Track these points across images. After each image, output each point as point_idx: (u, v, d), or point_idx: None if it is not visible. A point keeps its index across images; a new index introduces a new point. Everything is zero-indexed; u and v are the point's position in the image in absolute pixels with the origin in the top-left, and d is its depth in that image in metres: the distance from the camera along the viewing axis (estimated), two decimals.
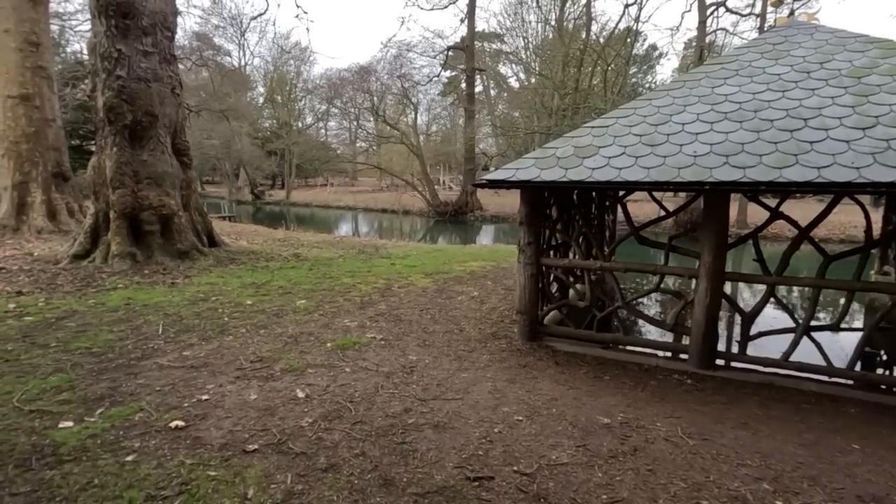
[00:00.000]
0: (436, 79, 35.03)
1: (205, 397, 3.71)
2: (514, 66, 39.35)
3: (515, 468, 2.86)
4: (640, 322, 7.50)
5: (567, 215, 6.53)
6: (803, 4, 19.35)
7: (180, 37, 27.15)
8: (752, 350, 5.08)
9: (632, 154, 4.97)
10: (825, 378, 4.73)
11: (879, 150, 4.11)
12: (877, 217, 9.10)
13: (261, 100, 51.20)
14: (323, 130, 55.72)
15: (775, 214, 4.81)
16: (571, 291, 6.71)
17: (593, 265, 5.64)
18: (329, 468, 2.83)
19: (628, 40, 27.49)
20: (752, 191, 4.46)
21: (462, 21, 30.83)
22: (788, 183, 4.13)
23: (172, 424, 3.25)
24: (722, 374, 4.91)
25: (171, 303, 6.40)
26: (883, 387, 4.63)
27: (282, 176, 50.35)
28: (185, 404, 3.58)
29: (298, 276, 8.46)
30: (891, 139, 4.18)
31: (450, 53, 32.51)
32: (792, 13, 6.77)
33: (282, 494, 2.57)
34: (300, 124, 50.70)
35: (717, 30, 24.70)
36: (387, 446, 3.09)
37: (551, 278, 6.61)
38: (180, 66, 12.82)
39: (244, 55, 46.93)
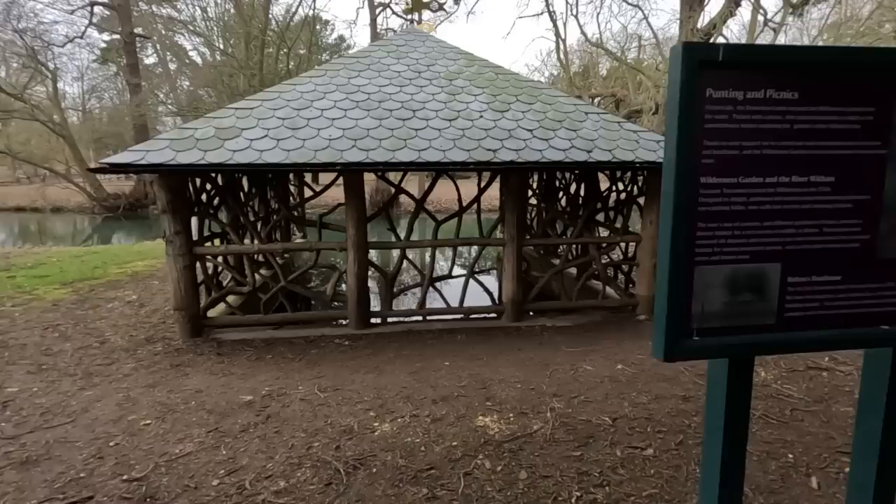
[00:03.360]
0: (79, 40, 27.71)
1: None
2: (193, 37, 34.69)
3: (126, 477, 2.61)
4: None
5: (232, 198, 6.24)
6: (445, 19, 23.51)
7: None
8: (401, 305, 6.04)
9: (274, 137, 5.08)
10: (448, 317, 6.03)
11: (458, 137, 5.37)
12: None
13: None
14: None
15: (399, 190, 5.76)
16: (255, 277, 6.50)
17: (251, 249, 5.60)
18: None
19: (317, 27, 27.89)
20: (375, 170, 5.20)
21: None
22: (399, 163, 4.98)
23: None
24: (376, 330, 5.65)
25: None
26: (475, 316, 6.22)
27: None
28: None
29: None
30: (465, 129, 5.50)
31: (95, 11, 26.28)
32: (411, 22, 8.08)
33: None
34: None
35: (387, 29, 27.57)
36: None
37: (219, 269, 6.27)
38: None
39: None
